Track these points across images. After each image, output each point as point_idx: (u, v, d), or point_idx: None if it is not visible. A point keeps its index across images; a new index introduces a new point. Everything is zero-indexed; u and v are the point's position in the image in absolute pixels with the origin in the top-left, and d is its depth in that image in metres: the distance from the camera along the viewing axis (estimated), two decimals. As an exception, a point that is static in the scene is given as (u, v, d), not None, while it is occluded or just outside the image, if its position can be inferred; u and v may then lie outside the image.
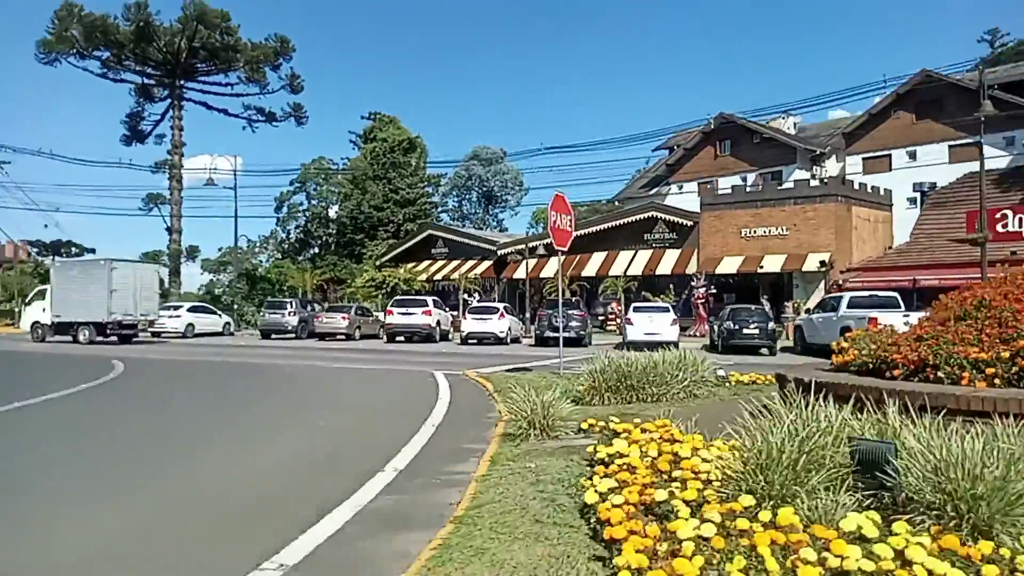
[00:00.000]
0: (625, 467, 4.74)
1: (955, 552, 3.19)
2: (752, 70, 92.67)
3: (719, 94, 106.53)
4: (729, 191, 35.78)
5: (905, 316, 20.05)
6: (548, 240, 40.90)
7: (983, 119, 24.96)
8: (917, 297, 31.52)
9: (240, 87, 51.58)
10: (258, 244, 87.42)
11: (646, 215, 37.56)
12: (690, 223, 36.44)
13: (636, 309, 26.02)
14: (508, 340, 28.33)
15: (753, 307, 26.13)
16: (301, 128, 69.91)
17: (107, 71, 47.72)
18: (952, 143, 43.58)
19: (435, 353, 22.97)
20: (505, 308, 29.37)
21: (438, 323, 29.73)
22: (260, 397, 12.33)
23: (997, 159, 39.00)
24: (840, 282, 33.36)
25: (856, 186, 36.40)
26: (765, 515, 3.52)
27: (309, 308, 33.51)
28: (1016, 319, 5.97)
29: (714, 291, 33.88)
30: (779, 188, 36.08)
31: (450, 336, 31.68)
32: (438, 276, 43.03)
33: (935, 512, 3.53)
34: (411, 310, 29.08)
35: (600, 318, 36.32)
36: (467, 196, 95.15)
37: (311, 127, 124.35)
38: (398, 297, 31.99)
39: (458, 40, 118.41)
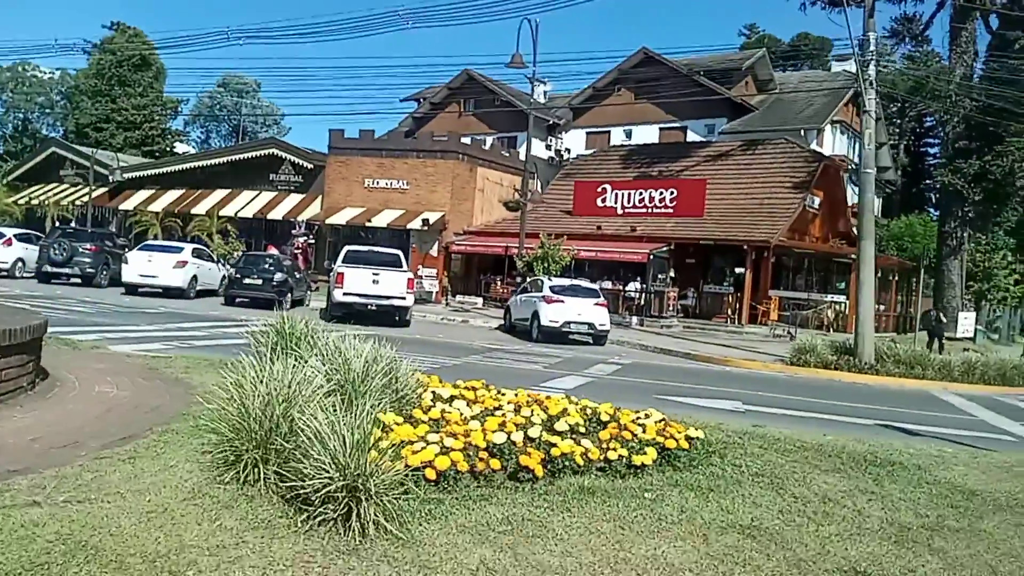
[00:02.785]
0: None
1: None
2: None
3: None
4: (357, 136, 33.45)
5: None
6: (166, 169, 37.07)
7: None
8: (510, 265, 30.98)
9: None
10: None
11: (268, 152, 34.52)
12: (313, 166, 33.88)
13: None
14: (16, 273, 24.59)
15: (272, 255, 24.03)
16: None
17: None
18: (662, 125, 44.17)
19: None
20: (18, 236, 25.41)
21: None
22: None
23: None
24: (446, 244, 32.24)
25: (487, 146, 35.38)
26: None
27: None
28: None
29: (312, 241, 31.65)
30: (405, 138, 34.27)
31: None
32: (58, 202, 37.85)
33: None
34: None
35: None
36: (216, 128, 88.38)
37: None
38: None
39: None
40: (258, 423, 4.07)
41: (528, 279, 22.24)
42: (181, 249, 23.31)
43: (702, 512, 4.28)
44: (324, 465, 3.57)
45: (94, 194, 35.56)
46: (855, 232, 36.53)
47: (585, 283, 21.22)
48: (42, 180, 40.46)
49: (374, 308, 19.27)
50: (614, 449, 5.02)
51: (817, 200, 30.87)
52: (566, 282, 20.18)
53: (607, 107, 43.90)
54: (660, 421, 5.77)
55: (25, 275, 24.80)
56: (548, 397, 6.11)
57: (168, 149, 67.36)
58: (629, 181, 32.10)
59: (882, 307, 33.11)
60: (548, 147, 45.42)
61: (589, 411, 5.81)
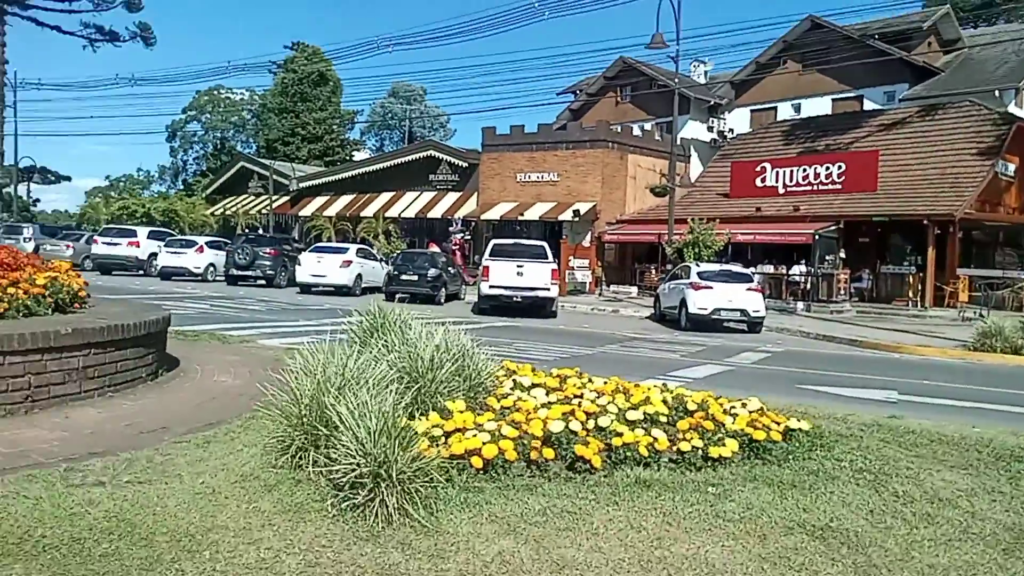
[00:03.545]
0: None
1: None
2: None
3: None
4: (508, 132, 33.93)
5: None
6: (338, 176, 39.46)
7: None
8: (663, 253, 30.12)
9: (81, 3, 49.21)
10: (156, 175, 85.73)
11: (426, 154, 35.83)
12: (468, 164, 34.76)
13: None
14: (208, 276, 27.25)
15: (426, 252, 24.84)
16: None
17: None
18: (835, 96, 41.39)
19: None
20: (209, 243, 28.07)
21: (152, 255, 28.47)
22: None
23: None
24: (599, 234, 31.87)
25: (637, 132, 34.57)
26: None
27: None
28: None
29: (468, 237, 32.47)
30: (554, 130, 34.23)
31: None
32: (247, 211, 41.64)
33: None
34: (116, 240, 27.93)
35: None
36: (389, 136, 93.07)
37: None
38: (107, 226, 30.72)
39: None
40: (308, 409, 4.17)
41: (678, 266, 21.53)
42: (346, 250, 24.81)
43: (771, 510, 3.86)
44: (351, 451, 3.58)
45: (278, 203, 38.72)
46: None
47: (736, 268, 20.21)
48: (233, 192, 44.65)
49: (519, 300, 19.42)
50: (688, 440, 4.66)
51: (1011, 167, 27.43)
52: (715, 267, 19.32)
53: (772, 81, 41.35)
54: (756, 410, 5.30)
55: (217, 279, 27.43)
56: (636, 385, 5.80)
57: (348, 158, 71.97)
58: (791, 158, 30.20)
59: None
60: (710, 129, 43.65)
61: (676, 399, 5.44)
